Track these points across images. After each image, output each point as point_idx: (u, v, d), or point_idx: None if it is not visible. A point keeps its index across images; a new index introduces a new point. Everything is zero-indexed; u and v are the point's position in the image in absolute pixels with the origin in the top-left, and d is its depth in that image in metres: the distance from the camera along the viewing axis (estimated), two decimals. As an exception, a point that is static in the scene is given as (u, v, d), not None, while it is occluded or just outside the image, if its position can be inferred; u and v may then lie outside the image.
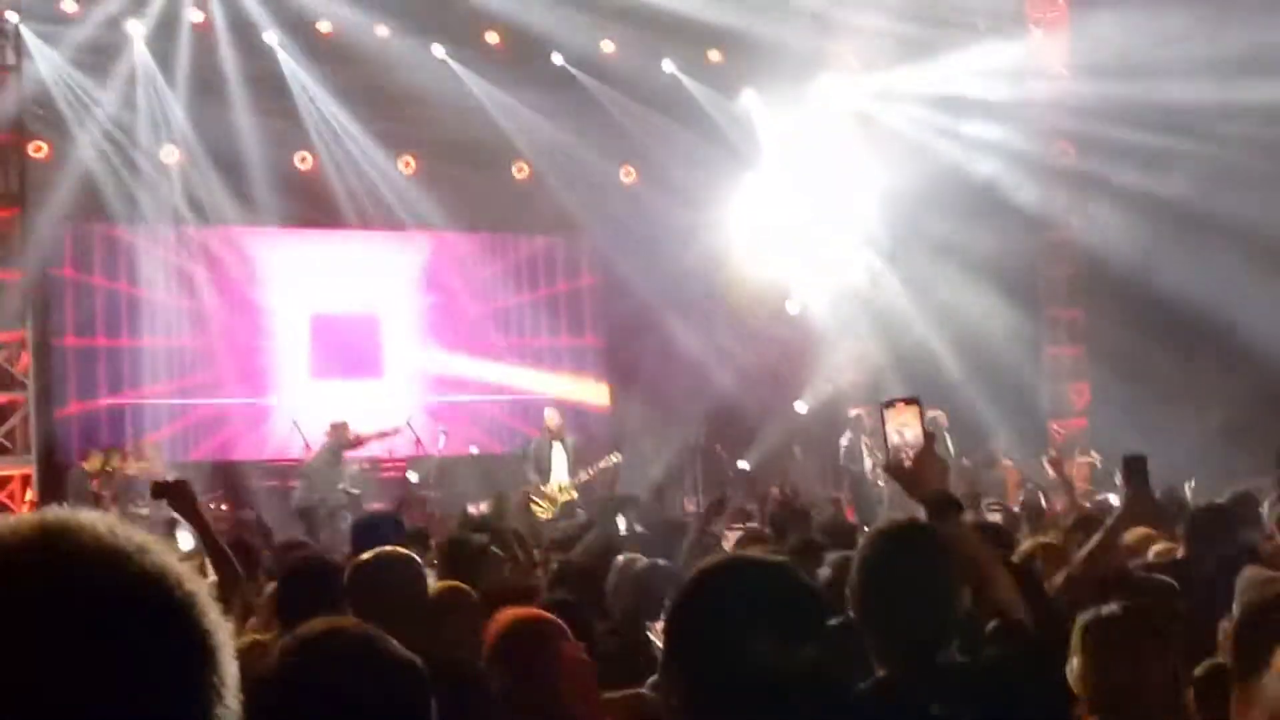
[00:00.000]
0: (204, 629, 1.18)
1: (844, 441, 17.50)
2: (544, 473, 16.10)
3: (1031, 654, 3.32)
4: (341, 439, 15.75)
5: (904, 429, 3.50)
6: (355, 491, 15.85)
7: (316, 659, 2.21)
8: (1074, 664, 3.65)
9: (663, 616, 4.44)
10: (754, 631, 2.44)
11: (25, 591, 1.12)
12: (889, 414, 3.53)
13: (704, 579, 2.59)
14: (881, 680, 3.13)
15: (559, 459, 16.16)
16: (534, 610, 3.86)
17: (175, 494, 5.60)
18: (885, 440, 3.54)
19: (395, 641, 2.31)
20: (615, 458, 16.43)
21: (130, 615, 1.14)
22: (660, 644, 2.61)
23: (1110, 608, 3.76)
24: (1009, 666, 3.23)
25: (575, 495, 15.94)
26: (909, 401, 3.56)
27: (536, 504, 15.75)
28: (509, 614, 3.75)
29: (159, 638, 1.15)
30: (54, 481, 15.73)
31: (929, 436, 3.52)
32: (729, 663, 2.44)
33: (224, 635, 1.20)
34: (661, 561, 6.39)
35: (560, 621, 3.71)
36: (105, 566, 1.15)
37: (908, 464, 3.49)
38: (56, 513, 1.19)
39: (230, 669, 1.20)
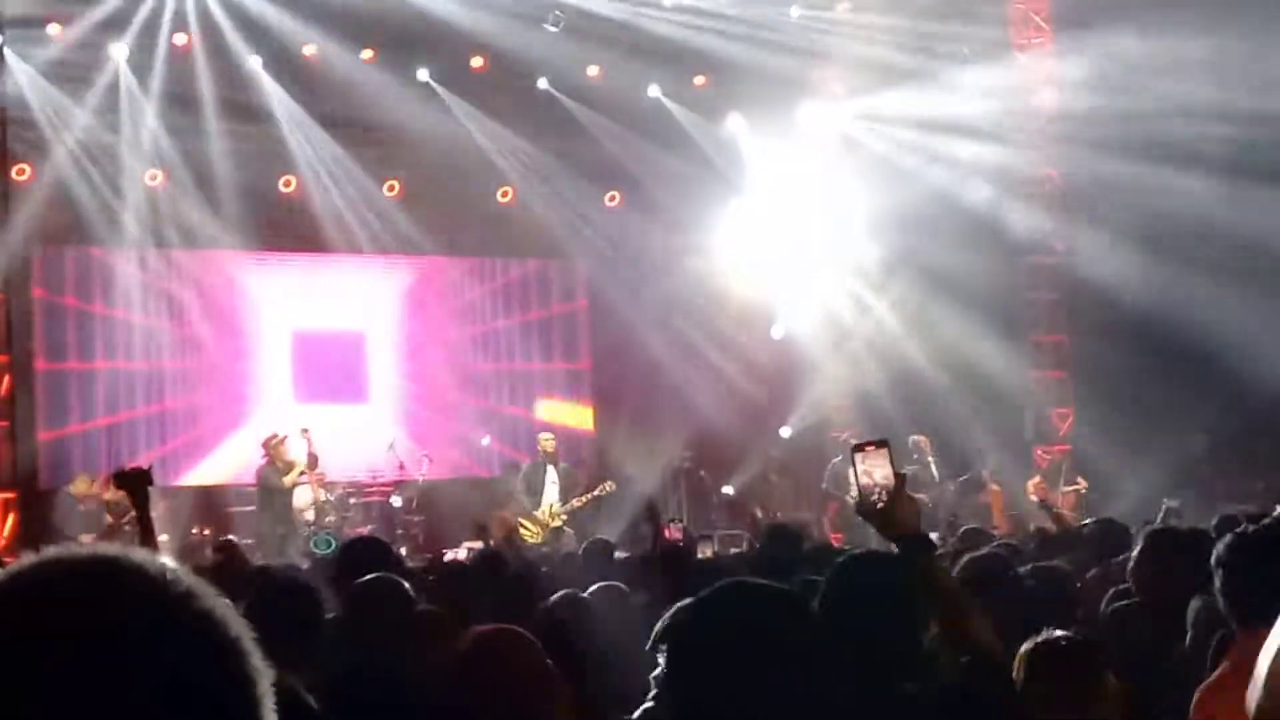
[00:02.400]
0: (250, 673, 1.16)
1: (830, 466, 17.49)
2: (535, 496, 16.04)
3: (993, 682, 3.35)
4: (279, 458, 15.44)
5: (873, 470, 3.52)
6: (309, 518, 15.64)
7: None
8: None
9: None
10: (752, 658, 2.43)
11: (69, 629, 1.10)
12: (858, 457, 3.56)
13: (704, 605, 2.57)
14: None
15: (551, 484, 16.11)
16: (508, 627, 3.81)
17: (134, 481, 5.55)
18: (856, 482, 3.55)
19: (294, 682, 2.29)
20: (609, 486, 16.39)
21: (180, 656, 1.12)
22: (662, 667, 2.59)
23: (1054, 636, 3.76)
24: (967, 693, 3.27)
25: (564, 521, 15.92)
26: (878, 445, 3.59)
27: (526, 528, 15.69)
28: (484, 628, 3.71)
29: (208, 680, 1.13)
30: (36, 506, 15.64)
31: (900, 478, 3.54)
32: (726, 689, 2.43)
33: (268, 681, 1.18)
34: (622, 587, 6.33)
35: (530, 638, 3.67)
36: (156, 606, 1.13)
37: (880, 504, 3.51)
38: (107, 549, 1.17)
39: (272, 713, 1.17)
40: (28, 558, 1.15)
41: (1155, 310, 16.13)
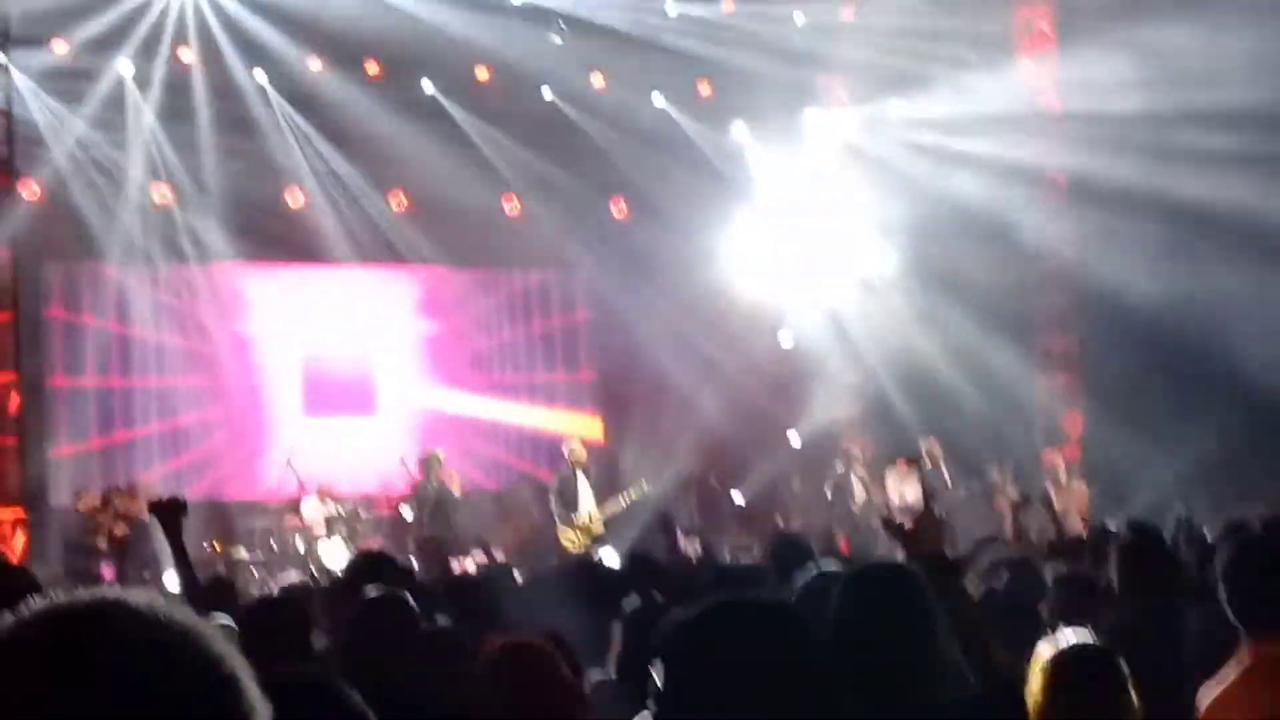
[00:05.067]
0: (244, 709, 1.21)
1: (832, 474, 17.47)
2: (571, 504, 15.90)
3: (1005, 694, 3.34)
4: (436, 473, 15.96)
5: (905, 489, 3.57)
6: (319, 532, 15.93)
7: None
8: (1033, 699, 3.63)
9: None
10: (748, 673, 2.42)
11: (71, 672, 1.15)
12: (889, 473, 3.59)
13: (700, 619, 2.56)
14: None
15: (585, 490, 16.03)
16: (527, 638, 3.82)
17: (168, 511, 5.71)
18: (886, 501, 3.59)
19: (350, 692, 2.31)
20: (645, 486, 16.40)
21: (176, 695, 1.17)
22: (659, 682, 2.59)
23: (1078, 645, 3.74)
24: (982, 706, 3.28)
25: (603, 528, 15.89)
26: (909, 462, 3.63)
27: (566, 536, 15.68)
28: (502, 640, 3.73)
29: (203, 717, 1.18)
30: (47, 523, 15.67)
31: (927, 498, 3.58)
32: (722, 705, 2.42)
33: (265, 717, 1.23)
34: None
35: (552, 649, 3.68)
36: (152, 647, 1.18)
37: (906, 524, 3.54)
38: (105, 592, 1.22)
39: None
40: (29, 607, 1.21)
41: (1165, 313, 16.06)
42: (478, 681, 3.55)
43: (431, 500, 15.89)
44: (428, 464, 16.22)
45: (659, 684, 2.64)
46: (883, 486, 16.86)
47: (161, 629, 1.19)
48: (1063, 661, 3.63)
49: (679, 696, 2.51)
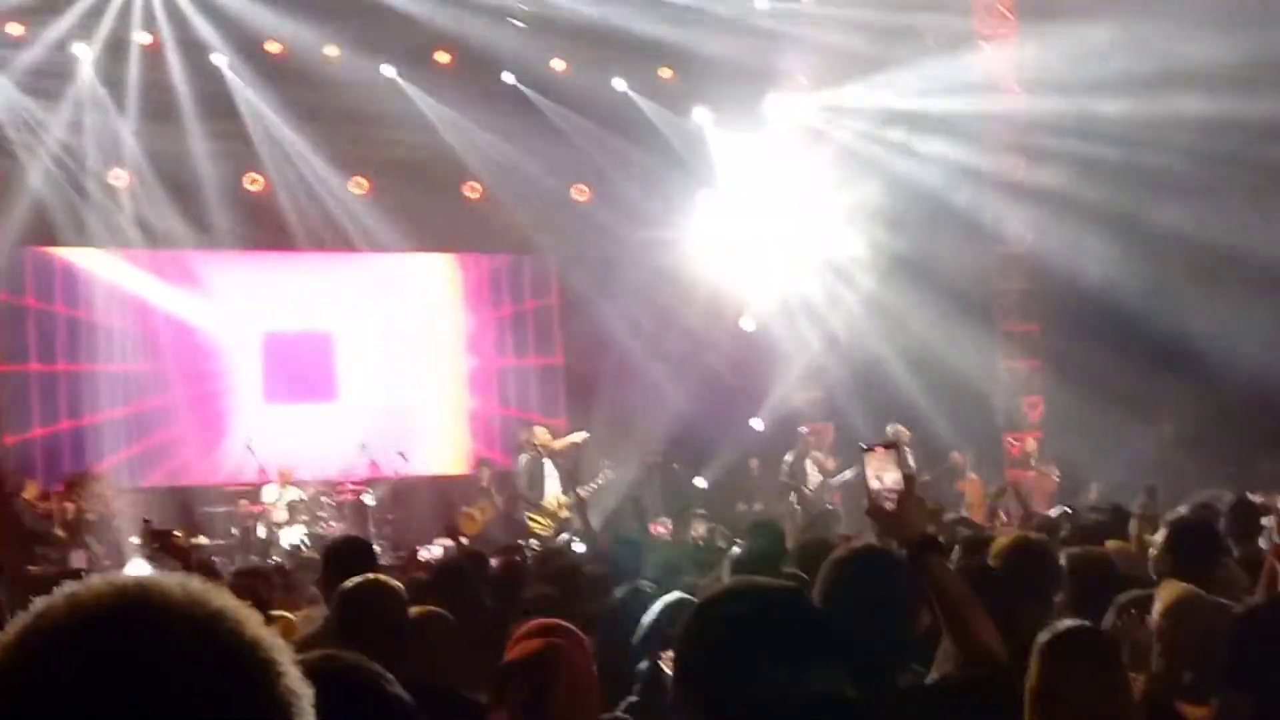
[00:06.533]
0: (283, 692, 1.18)
1: (788, 458, 17.54)
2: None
3: (993, 677, 3.38)
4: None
5: (883, 474, 3.56)
6: (280, 519, 15.96)
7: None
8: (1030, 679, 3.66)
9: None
10: (761, 658, 2.43)
11: (105, 657, 1.13)
12: (868, 459, 3.61)
13: (712, 605, 2.57)
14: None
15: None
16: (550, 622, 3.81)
17: (161, 539, 5.84)
18: (866, 486, 3.60)
19: (390, 678, 2.29)
20: (608, 472, 16.48)
21: (213, 681, 1.14)
22: (670, 671, 2.59)
23: (1074, 626, 3.78)
24: (968, 688, 3.32)
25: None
26: (887, 447, 3.67)
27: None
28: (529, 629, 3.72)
29: (240, 703, 1.15)
30: (2, 510, 15.50)
31: (909, 481, 3.59)
32: (737, 690, 2.43)
33: (306, 700, 1.20)
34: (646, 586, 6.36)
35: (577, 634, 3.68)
36: (187, 632, 1.15)
37: (890, 508, 3.56)
38: (138, 577, 1.20)
39: None
40: (57, 594, 1.18)
41: (1125, 298, 16.18)
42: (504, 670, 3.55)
43: (534, 476, 16.22)
44: (523, 442, 16.47)
45: (670, 672, 2.63)
46: (838, 470, 17.06)
47: (196, 613, 1.16)
48: (1053, 641, 3.65)
49: (692, 678, 2.51)
